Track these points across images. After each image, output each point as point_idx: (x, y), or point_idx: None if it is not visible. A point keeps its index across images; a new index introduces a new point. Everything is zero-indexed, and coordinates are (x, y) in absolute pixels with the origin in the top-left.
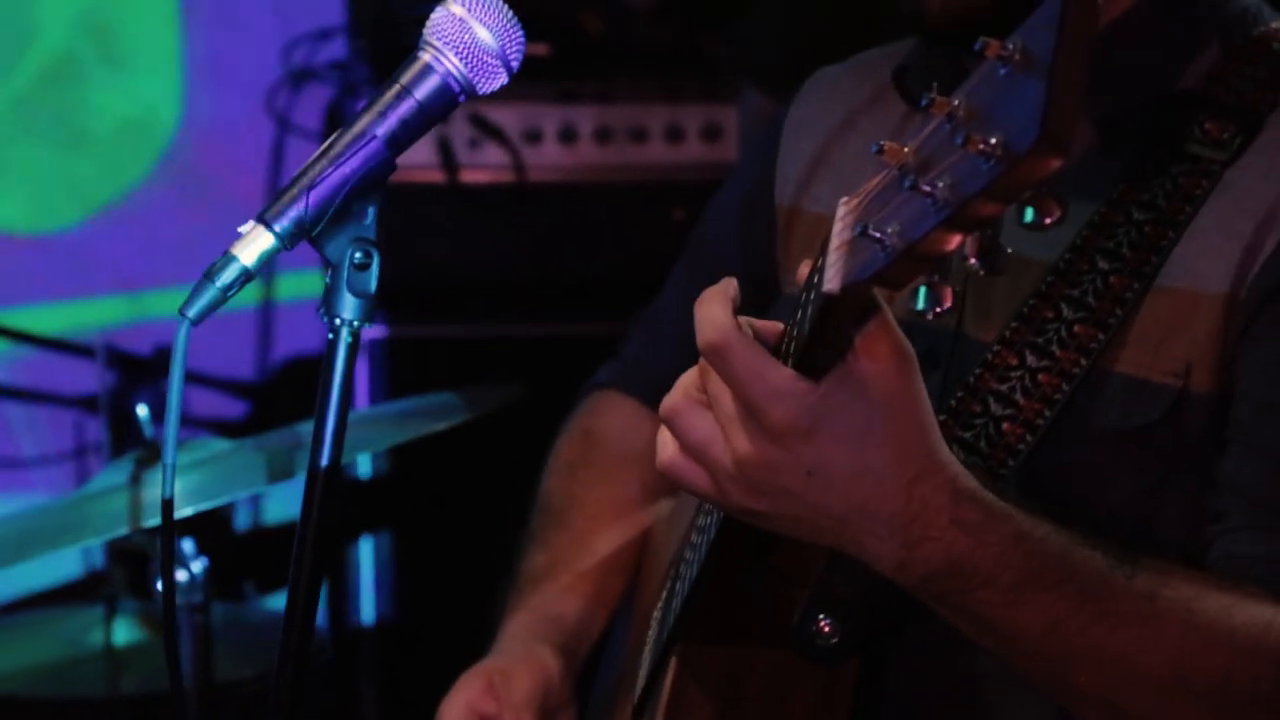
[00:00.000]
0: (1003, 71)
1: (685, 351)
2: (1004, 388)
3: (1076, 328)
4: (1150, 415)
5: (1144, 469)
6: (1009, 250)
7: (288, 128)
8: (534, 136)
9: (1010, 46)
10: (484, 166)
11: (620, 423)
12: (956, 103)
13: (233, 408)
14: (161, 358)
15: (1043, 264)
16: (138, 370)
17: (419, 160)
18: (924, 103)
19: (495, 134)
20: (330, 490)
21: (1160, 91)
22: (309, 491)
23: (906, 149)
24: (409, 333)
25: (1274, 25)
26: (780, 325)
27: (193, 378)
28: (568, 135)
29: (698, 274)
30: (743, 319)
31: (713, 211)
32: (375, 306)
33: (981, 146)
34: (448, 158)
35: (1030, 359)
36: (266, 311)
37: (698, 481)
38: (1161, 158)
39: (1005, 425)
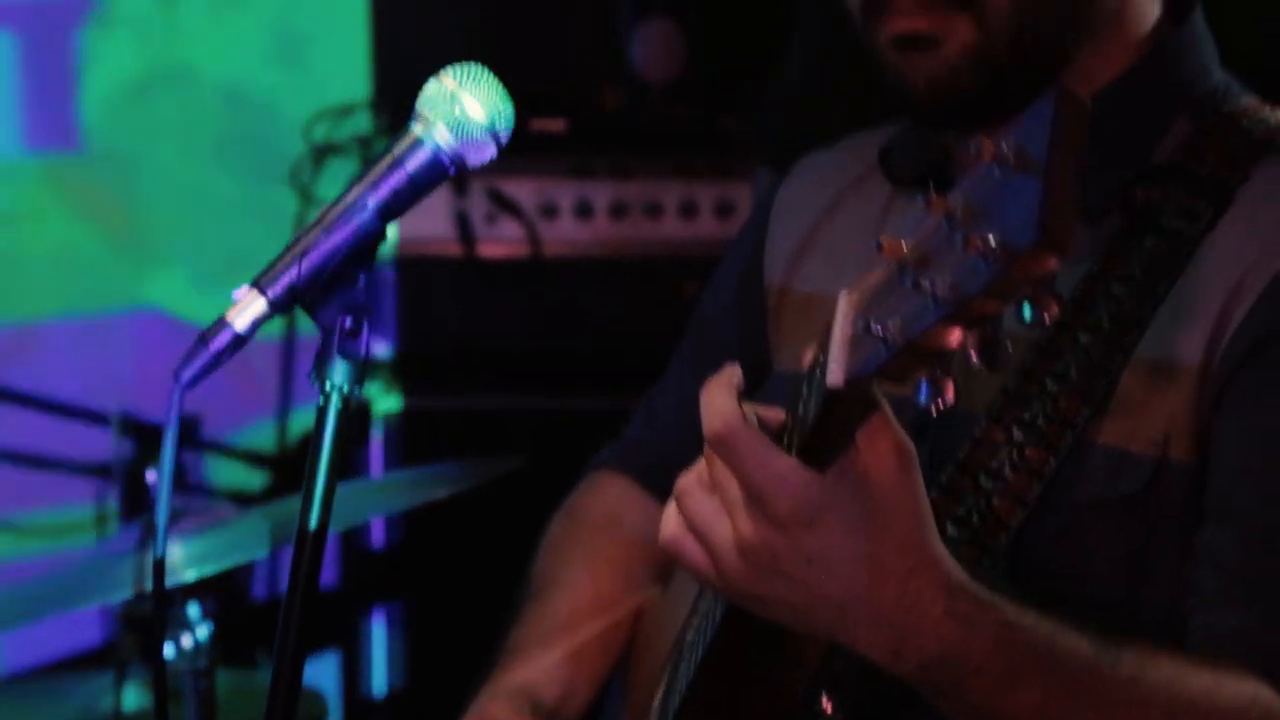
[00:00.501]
0: (998, 171)
1: (684, 430)
2: (993, 463)
3: (1061, 401)
4: (1132, 485)
5: (1128, 538)
6: (1009, 346)
7: (310, 202)
8: (550, 211)
9: (1005, 146)
10: (500, 240)
11: (611, 502)
12: (954, 200)
13: (251, 479)
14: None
15: (1025, 339)
16: (152, 437)
17: (437, 234)
18: (923, 201)
19: (512, 208)
20: (317, 552)
21: (1135, 166)
22: (297, 553)
23: (905, 245)
24: (424, 404)
25: (1243, 102)
26: (781, 412)
27: (212, 448)
28: (583, 210)
29: (699, 354)
30: (746, 406)
31: (711, 291)
32: (367, 372)
33: (980, 246)
34: (465, 231)
35: (1017, 434)
36: (286, 384)
37: (698, 560)
38: (1138, 231)
39: (996, 500)
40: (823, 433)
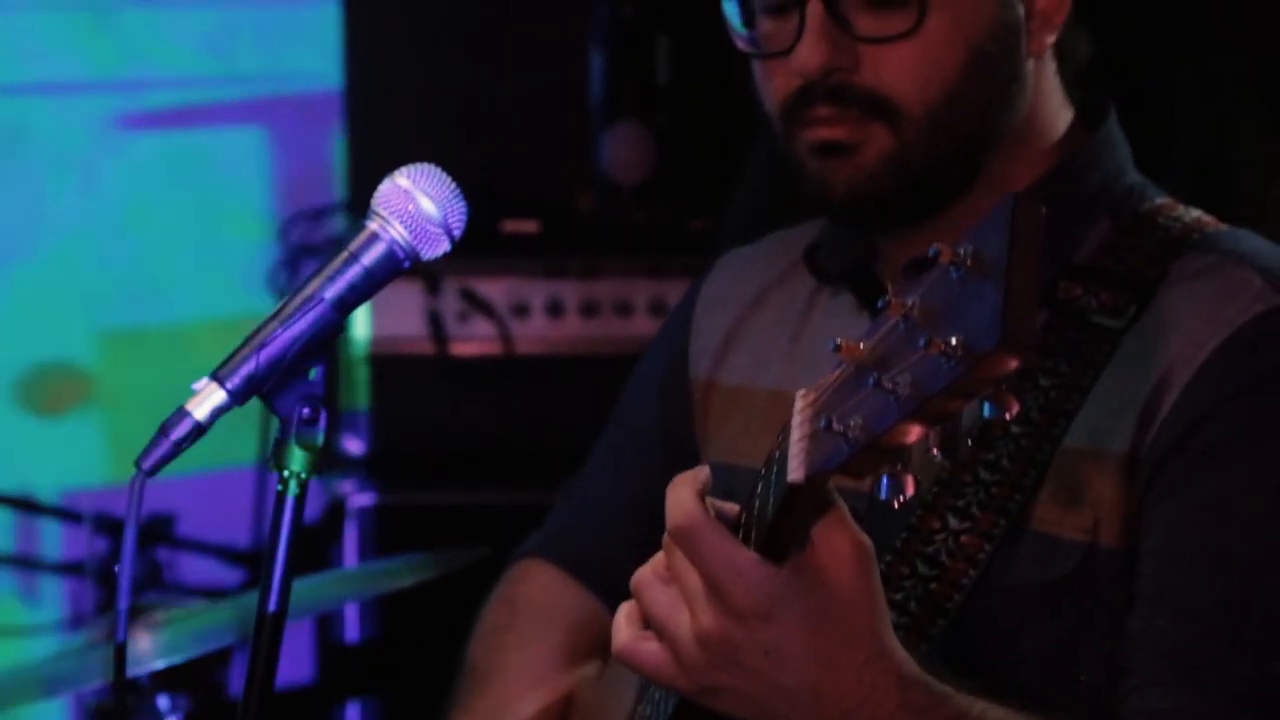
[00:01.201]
0: (956, 275)
1: (606, 519)
2: (929, 550)
3: (994, 489)
4: (1062, 569)
5: (1060, 621)
6: (970, 442)
7: None
8: (522, 310)
9: (963, 251)
10: (473, 339)
11: (542, 588)
12: (911, 303)
13: (227, 575)
14: (151, 523)
15: (971, 445)
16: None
17: (410, 332)
18: (880, 304)
19: (484, 307)
20: (276, 636)
21: (1058, 265)
22: (256, 636)
23: (863, 347)
24: (398, 500)
25: (1158, 201)
26: (736, 507)
27: (187, 545)
28: (555, 309)
29: (620, 446)
30: (707, 500)
31: (633, 386)
32: (329, 462)
33: (943, 347)
34: (438, 330)
35: (952, 521)
36: (262, 478)
37: (654, 662)
38: (1063, 327)
39: (933, 586)
40: (781, 528)
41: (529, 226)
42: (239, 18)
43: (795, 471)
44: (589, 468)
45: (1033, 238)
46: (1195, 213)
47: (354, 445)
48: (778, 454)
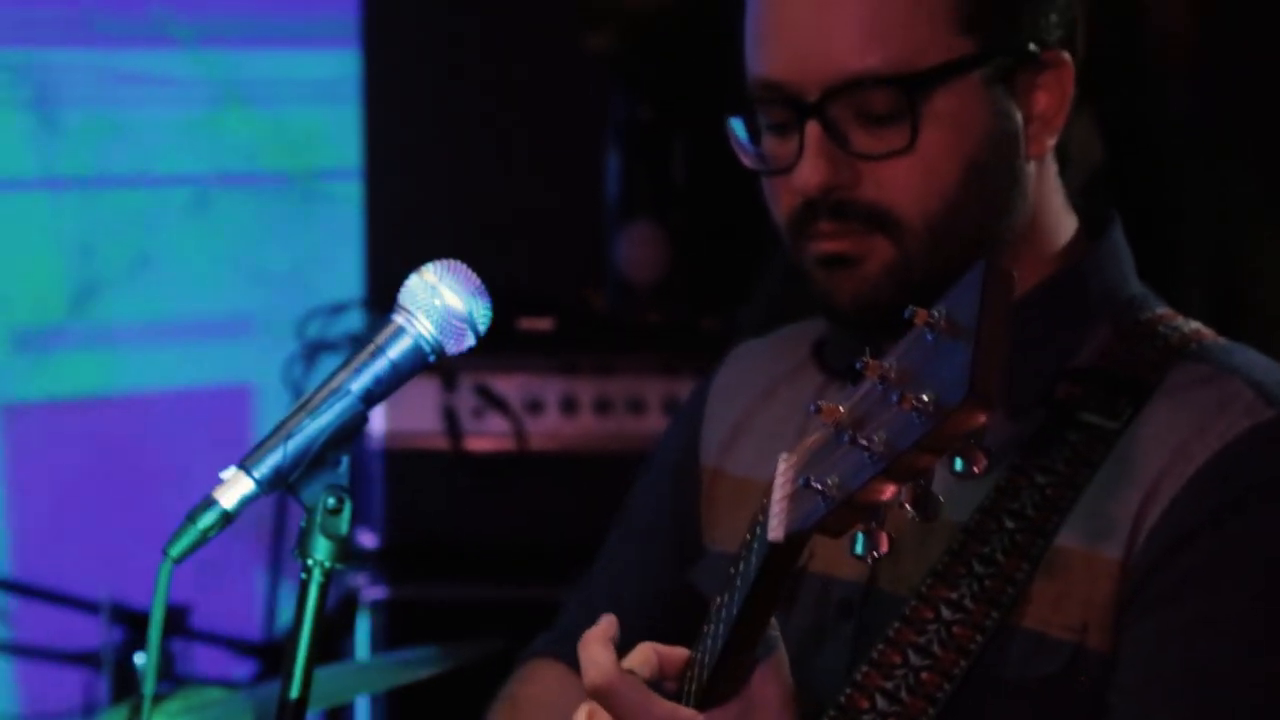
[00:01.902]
0: (930, 337)
1: (616, 614)
2: (922, 640)
3: (987, 582)
4: (1050, 668)
5: (1046, 719)
6: (941, 499)
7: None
8: (536, 406)
9: (936, 314)
10: (487, 434)
11: (548, 687)
12: (888, 365)
13: (240, 667)
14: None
15: (952, 524)
16: (144, 625)
17: (425, 428)
18: (858, 365)
19: (499, 404)
20: None
21: (1058, 365)
22: None
23: (842, 409)
24: (410, 594)
25: (1159, 311)
26: (685, 653)
27: (200, 636)
28: (569, 406)
29: (630, 539)
30: (649, 646)
31: (644, 477)
32: (349, 553)
33: (914, 403)
34: (452, 426)
35: (945, 612)
36: (275, 576)
37: None
38: (1060, 426)
39: (924, 675)
40: (723, 672)
41: (544, 324)
42: (262, 115)
43: (775, 530)
44: (598, 564)
45: (1002, 301)
46: (1194, 324)
47: (367, 538)
48: (760, 516)
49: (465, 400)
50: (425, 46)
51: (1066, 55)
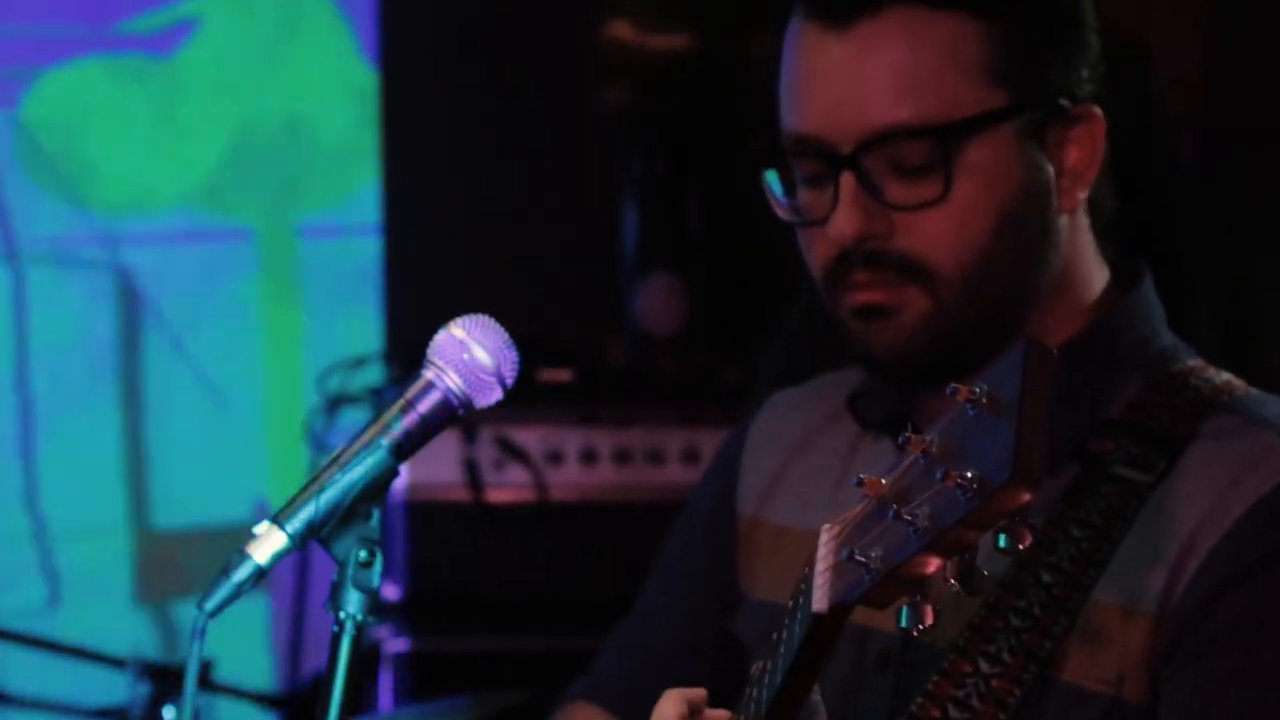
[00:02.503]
0: (972, 413)
1: (653, 658)
2: (960, 693)
3: (1025, 635)
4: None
5: None
6: (985, 573)
7: (324, 451)
8: (556, 458)
9: (978, 390)
10: (508, 486)
11: None
12: (930, 439)
13: None
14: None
15: (990, 577)
16: (169, 680)
17: (445, 480)
18: (900, 440)
19: (519, 455)
20: None
21: (1090, 418)
22: None
23: (884, 481)
24: (433, 645)
25: (1190, 363)
26: (726, 714)
27: (221, 689)
28: (588, 457)
29: (668, 587)
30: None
31: (681, 525)
32: (380, 606)
33: (959, 480)
34: (473, 477)
35: (984, 665)
36: (299, 623)
37: None
38: (1094, 480)
39: None
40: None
41: (563, 376)
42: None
43: (819, 602)
44: (636, 609)
45: (1044, 379)
46: (1225, 375)
47: (390, 590)
48: (803, 585)
49: (486, 452)
50: (443, 100)
51: (1097, 109)
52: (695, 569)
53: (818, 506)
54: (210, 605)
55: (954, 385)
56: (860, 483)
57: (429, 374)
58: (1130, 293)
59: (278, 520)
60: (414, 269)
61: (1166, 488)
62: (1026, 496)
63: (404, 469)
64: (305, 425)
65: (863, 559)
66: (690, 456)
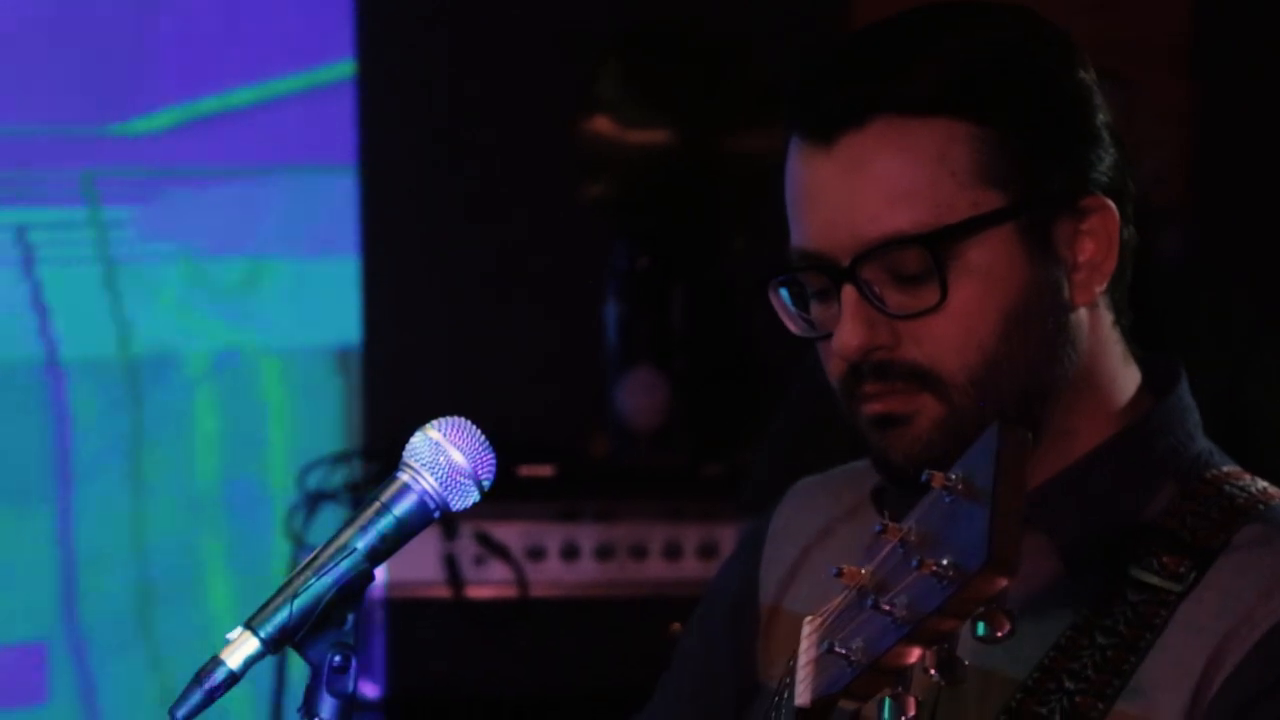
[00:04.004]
0: (948, 500)
1: None
2: None
3: None
4: None
5: None
6: (966, 662)
7: (304, 549)
8: (537, 553)
9: (953, 477)
10: (488, 582)
11: None
12: (908, 528)
13: None
14: None
15: (1012, 680)
16: None
17: (425, 577)
18: (877, 529)
19: (500, 551)
20: None
21: (1121, 524)
22: None
23: (864, 571)
24: None
25: (1224, 469)
26: None
27: None
28: (570, 552)
29: (683, 679)
30: None
31: (698, 617)
32: (356, 709)
33: (934, 568)
34: (454, 574)
35: None
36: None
37: None
38: (1122, 586)
39: None
40: None
41: (544, 471)
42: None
43: (801, 696)
44: (653, 702)
45: (1018, 463)
46: (1262, 483)
47: (369, 688)
48: (788, 679)
49: (466, 548)
50: (424, 194)
51: (1109, 201)
52: (715, 665)
53: (837, 596)
54: (182, 713)
55: (929, 472)
56: (840, 573)
57: (404, 476)
58: (1164, 396)
59: (251, 625)
60: (395, 364)
61: (1195, 599)
62: (1003, 583)
63: (384, 565)
64: (285, 523)
65: (843, 651)
66: (673, 551)
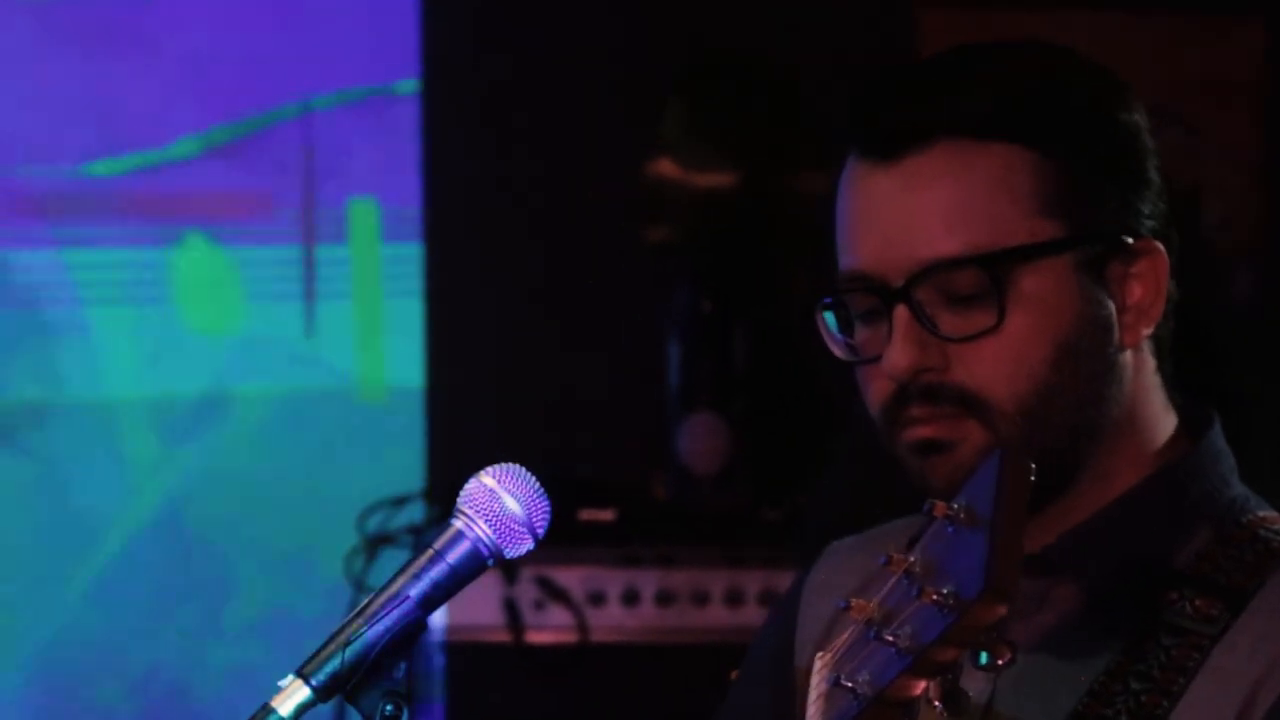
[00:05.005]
0: (950, 529)
1: None
2: None
3: None
4: None
5: None
6: (970, 694)
7: (364, 593)
8: (598, 599)
9: (955, 506)
10: (549, 627)
11: None
12: (912, 559)
13: None
14: None
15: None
16: None
17: (486, 621)
18: (883, 561)
19: (560, 596)
20: None
21: (1155, 567)
22: None
23: (872, 604)
24: None
25: (1260, 514)
26: None
27: None
28: (631, 598)
29: None
30: None
31: (741, 678)
32: None
33: (935, 597)
34: (514, 619)
35: None
36: None
37: None
38: (1156, 630)
39: None
40: None
41: (605, 515)
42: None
43: None
44: None
45: (1020, 490)
46: None
47: None
48: (800, 715)
49: (526, 592)
50: (487, 236)
51: (1160, 245)
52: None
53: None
54: None
55: (931, 501)
56: (848, 606)
57: (458, 523)
58: (1199, 440)
59: (302, 673)
60: (456, 406)
61: (1229, 643)
62: (1001, 610)
63: (443, 610)
64: (345, 566)
65: (850, 684)
66: (734, 598)
